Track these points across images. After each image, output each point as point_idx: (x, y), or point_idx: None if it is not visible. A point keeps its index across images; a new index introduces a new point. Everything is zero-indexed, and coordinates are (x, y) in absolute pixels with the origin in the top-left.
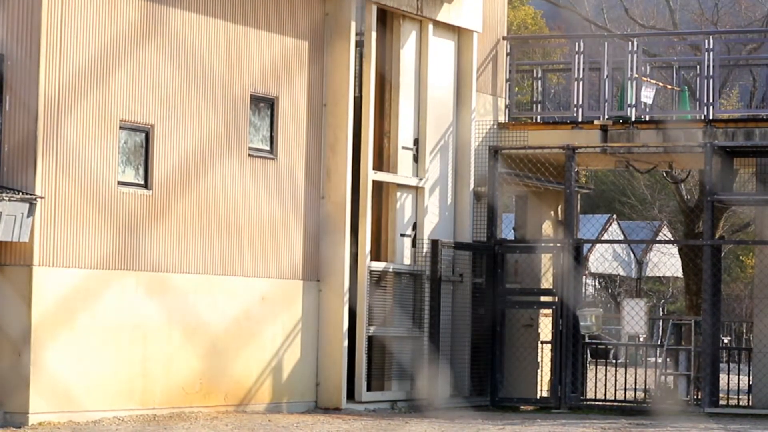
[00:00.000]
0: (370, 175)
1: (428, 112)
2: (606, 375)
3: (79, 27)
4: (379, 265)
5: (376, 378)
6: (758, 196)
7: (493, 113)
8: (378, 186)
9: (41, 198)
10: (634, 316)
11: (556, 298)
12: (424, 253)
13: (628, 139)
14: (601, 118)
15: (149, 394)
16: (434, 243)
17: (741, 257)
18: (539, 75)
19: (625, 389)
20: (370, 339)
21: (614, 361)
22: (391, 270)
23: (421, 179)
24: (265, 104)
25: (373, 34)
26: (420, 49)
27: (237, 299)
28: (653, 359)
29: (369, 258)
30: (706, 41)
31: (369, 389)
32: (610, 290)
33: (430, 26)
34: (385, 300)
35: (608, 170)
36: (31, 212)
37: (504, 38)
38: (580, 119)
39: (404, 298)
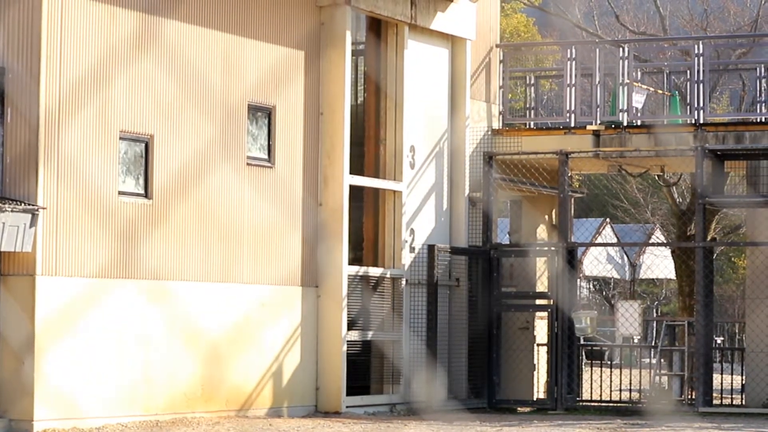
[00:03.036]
0: (347, 180)
1: (420, 119)
2: (601, 376)
3: (79, 39)
4: (355, 270)
5: (375, 382)
6: (749, 198)
7: (486, 120)
8: (374, 192)
9: (43, 208)
10: (628, 317)
11: (551, 301)
12: (405, 257)
13: (620, 144)
14: (594, 123)
15: (151, 401)
16: (431, 248)
17: (733, 259)
18: (532, 81)
19: (620, 390)
20: (367, 344)
21: (609, 363)
22: (370, 274)
23: (398, 183)
24: (262, 113)
25: (348, 40)
26: (414, 57)
27: (237, 305)
28: (647, 360)
29: (347, 263)
30: (696, 46)
31: (369, 393)
32: (604, 293)
33: (424, 35)
34: (372, 305)
35: (601, 174)
36: (33, 222)
37: (497, 46)
38: (572, 124)
39: (393, 303)
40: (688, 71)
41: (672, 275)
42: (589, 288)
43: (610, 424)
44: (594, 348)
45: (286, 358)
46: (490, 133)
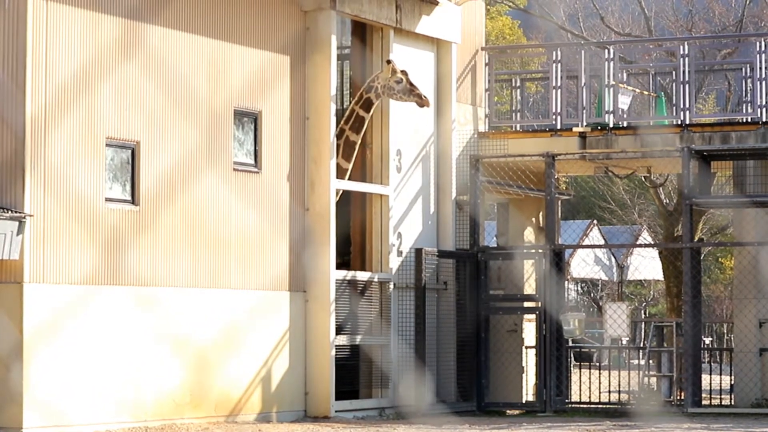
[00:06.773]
0: (334, 184)
1: (406, 123)
2: (590, 378)
3: (64, 46)
4: (343, 274)
5: (363, 386)
6: (736, 198)
7: (473, 123)
8: (361, 197)
9: (30, 216)
10: (617, 319)
11: (539, 303)
12: (392, 261)
13: (606, 146)
14: (580, 125)
15: (140, 407)
16: (418, 252)
17: (720, 259)
18: (518, 84)
19: (609, 392)
20: (355, 348)
21: (598, 364)
22: (357, 279)
23: (385, 187)
24: (248, 119)
25: (333, 44)
26: (399, 61)
27: (225, 311)
28: (636, 361)
29: (335, 268)
30: (682, 47)
31: (358, 397)
32: (592, 294)
33: (410, 39)
34: (360, 309)
35: (588, 176)
36: (20, 230)
37: (482, 49)
38: (558, 127)
39: (380, 307)
40: (674, 72)
41: (659, 276)
42: (577, 290)
43: (599, 425)
44: (582, 350)
45: (275, 363)
46: (476, 136)
